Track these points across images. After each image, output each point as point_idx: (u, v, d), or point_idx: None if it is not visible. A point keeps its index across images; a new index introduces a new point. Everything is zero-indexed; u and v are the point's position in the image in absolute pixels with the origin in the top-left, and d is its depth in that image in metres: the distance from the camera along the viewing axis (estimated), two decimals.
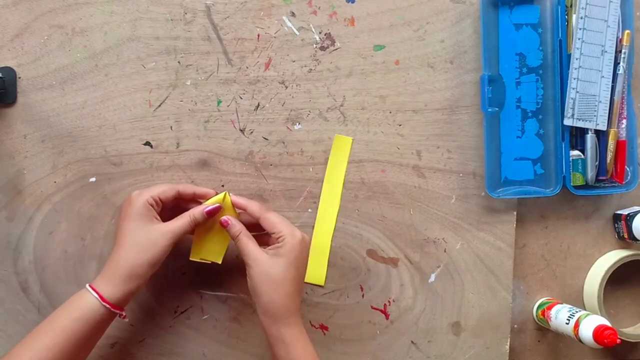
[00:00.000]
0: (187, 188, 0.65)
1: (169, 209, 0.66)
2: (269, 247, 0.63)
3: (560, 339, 0.76)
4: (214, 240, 0.67)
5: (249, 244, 0.63)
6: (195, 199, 0.66)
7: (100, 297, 0.59)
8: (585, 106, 0.70)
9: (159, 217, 0.63)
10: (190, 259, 0.67)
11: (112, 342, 0.71)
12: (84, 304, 0.59)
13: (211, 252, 0.67)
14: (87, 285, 0.60)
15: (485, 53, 0.71)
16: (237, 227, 0.64)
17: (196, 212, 0.63)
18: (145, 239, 0.61)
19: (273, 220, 0.64)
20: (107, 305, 0.59)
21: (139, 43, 0.71)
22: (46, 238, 0.71)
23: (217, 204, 0.65)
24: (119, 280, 0.60)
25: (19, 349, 0.57)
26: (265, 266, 0.62)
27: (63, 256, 0.71)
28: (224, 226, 0.64)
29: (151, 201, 0.62)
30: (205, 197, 0.66)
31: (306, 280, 0.72)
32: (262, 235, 0.66)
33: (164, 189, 0.64)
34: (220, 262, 0.67)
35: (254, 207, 0.65)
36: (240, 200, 0.66)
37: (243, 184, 0.72)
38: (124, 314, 0.61)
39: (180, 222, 0.62)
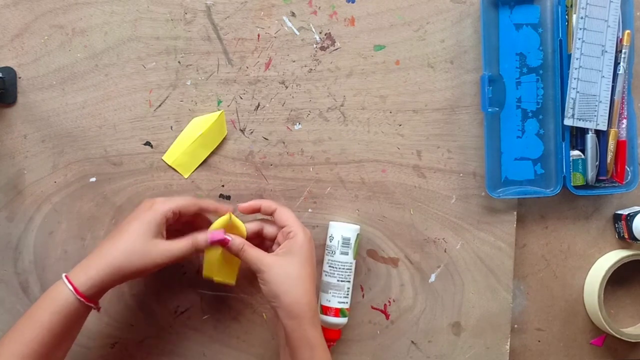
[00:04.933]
0: (210, 205, 0.65)
1: (182, 222, 0.65)
2: (279, 248, 0.63)
3: (560, 339, 0.76)
4: (224, 261, 0.66)
5: (255, 252, 0.62)
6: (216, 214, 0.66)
7: (75, 290, 0.57)
8: (586, 106, 0.70)
9: (164, 233, 0.62)
10: (204, 276, 0.66)
11: (112, 342, 0.71)
12: (59, 297, 0.58)
13: (223, 274, 0.67)
14: (63, 275, 0.59)
15: (486, 53, 0.71)
16: (237, 241, 0.63)
17: (199, 238, 0.62)
18: (140, 248, 0.59)
19: (287, 216, 0.64)
20: (81, 299, 0.58)
21: (139, 43, 0.71)
22: (46, 238, 0.71)
23: (222, 236, 0.63)
24: (97, 273, 0.58)
25: (0, 347, 0.57)
26: (280, 267, 0.61)
27: (63, 256, 0.71)
28: (225, 245, 0.63)
29: (170, 214, 0.61)
30: (225, 213, 0.65)
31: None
32: (263, 245, 0.67)
33: (187, 205, 0.63)
34: (234, 284, 0.67)
35: (267, 202, 0.66)
36: (252, 203, 0.66)
37: (243, 184, 0.72)
38: (98, 307, 0.60)
39: (181, 245, 0.61)
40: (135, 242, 0.59)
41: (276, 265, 0.61)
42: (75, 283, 0.58)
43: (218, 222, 0.64)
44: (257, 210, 0.66)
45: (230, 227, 0.64)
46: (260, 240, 0.68)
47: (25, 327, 0.57)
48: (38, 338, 0.57)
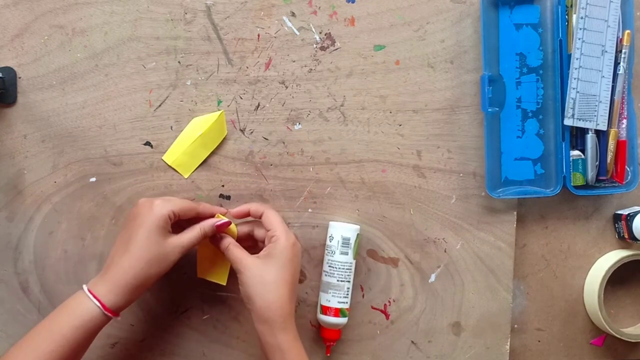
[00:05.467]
0: (207, 209, 0.65)
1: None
2: (261, 252, 0.64)
3: (560, 339, 0.76)
4: (217, 262, 0.69)
5: (238, 252, 0.64)
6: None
7: (103, 306, 0.58)
8: (586, 106, 0.70)
9: (171, 230, 0.62)
10: (198, 276, 0.69)
11: (112, 342, 0.71)
12: (84, 312, 0.58)
13: (215, 274, 0.69)
14: (86, 290, 0.59)
15: (486, 53, 0.71)
16: (225, 240, 0.65)
17: (206, 225, 0.64)
18: (158, 253, 0.60)
19: (273, 219, 0.65)
20: (110, 315, 0.58)
21: (139, 43, 0.71)
22: (46, 238, 0.71)
23: (227, 219, 0.65)
24: (123, 290, 0.59)
25: (17, 352, 0.57)
26: (257, 269, 0.62)
27: (63, 256, 0.71)
28: (214, 242, 0.65)
29: (172, 215, 0.61)
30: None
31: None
32: (256, 247, 0.68)
33: (186, 208, 0.63)
34: (224, 284, 0.69)
35: (255, 206, 0.67)
36: (242, 207, 0.67)
37: (243, 184, 0.72)
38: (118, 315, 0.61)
39: (191, 235, 0.62)
40: (152, 249, 0.60)
41: (253, 267, 0.62)
42: (101, 299, 0.58)
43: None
44: (248, 214, 0.67)
45: (230, 234, 0.66)
46: (254, 242, 0.69)
47: (43, 339, 0.57)
48: (58, 350, 0.57)
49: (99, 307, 0.58)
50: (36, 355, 0.56)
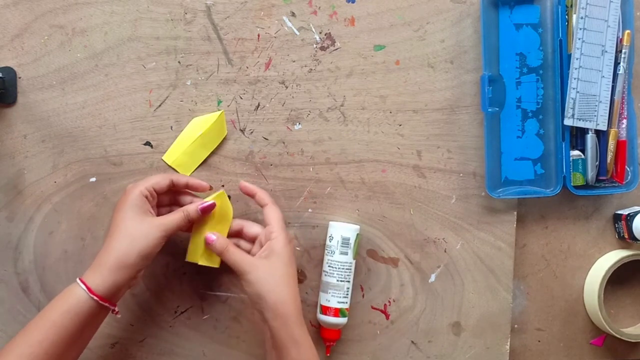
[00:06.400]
0: (181, 178, 0.66)
1: (165, 205, 0.67)
2: (261, 251, 0.64)
3: (560, 339, 0.76)
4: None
5: (239, 253, 0.63)
6: (189, 192, 0.68)
7: (88, 289, 0.58)
8: (586, 106, 0.70)
9: (152, 211, 0.63)
10: (186, 260, 0.67)
11: (112, 342, 0.71)
12: (72, 297, 0.58)
13: (208, 257, 0.67)
14: (77, 279, 0.59)
15: (486, 53, 0.71)
16: (221, 241, 0.64)
17: (190, 208, 0.64)
18: (136, 230, 0.60)
19: (273, 216, 0.65)
20: (95, 298, 0.58)
21: (139, 43, 0.71)
22: (46, 238, 0.71)
23: (212, 201, 0.65)
24: (107, 271, 0.59)
25: (11, 345, 0.57)
26: (264, 267, 0.62)
27: (63, 256, 0.71)
28: (208, 243, 0.64)
29: (145, 193, 0.62)
30: (198, 189, 0.67)
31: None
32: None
33: (158, 179, 0.64)
34: (218, 267, 0.68)
35: (262, 194, 0.67)
36: (251, 187, 0.67)
37: None
38: (116, 309, 0.61)
39: (173, 217, 0.62)
40: (130, 227, 0.60)
41: (260, 266, 0.62)
42: (86, 281, 0.58)
43: (210, 198, 0.66)
44: (252, 196, 0.67)
45: (219, 205, 0.66)
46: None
47: (36, 328, 0.57)
48: (50, 338, 0.57)
49: (84, 290, 0.58)
50: (28, 344, 0.56)
